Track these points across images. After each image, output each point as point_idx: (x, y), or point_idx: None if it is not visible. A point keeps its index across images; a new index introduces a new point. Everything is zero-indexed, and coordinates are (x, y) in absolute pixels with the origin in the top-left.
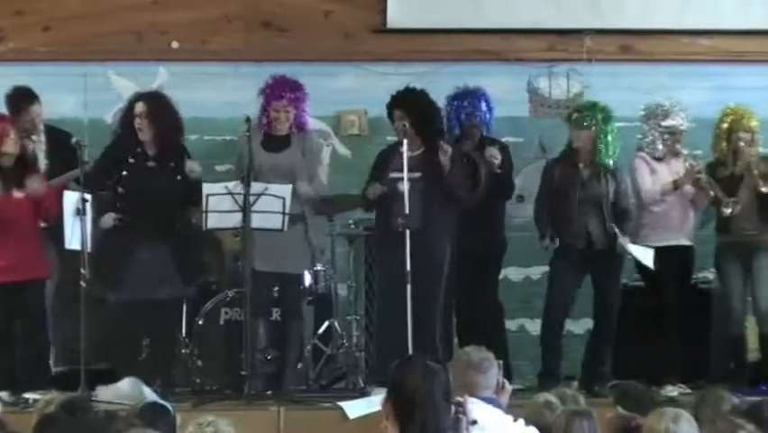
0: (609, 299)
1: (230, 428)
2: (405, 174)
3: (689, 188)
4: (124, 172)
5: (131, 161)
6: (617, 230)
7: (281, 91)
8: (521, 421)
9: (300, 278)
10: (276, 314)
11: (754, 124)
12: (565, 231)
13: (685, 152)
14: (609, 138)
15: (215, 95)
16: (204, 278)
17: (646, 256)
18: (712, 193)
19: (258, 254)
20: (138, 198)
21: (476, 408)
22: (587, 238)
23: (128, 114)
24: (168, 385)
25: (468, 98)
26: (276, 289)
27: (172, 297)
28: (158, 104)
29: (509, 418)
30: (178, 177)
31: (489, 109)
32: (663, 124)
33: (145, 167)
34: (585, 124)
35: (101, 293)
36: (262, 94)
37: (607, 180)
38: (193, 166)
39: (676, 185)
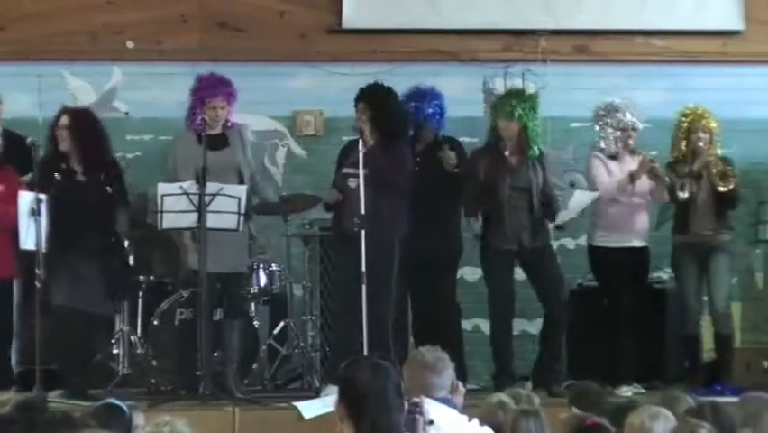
0: (552, 291)
1: (187, 429)
2: (360, 172)
3: (646, 184)
4: (54, 186)
5: (57, 176)
6: (551, 226)
7: (215, 88)
8: (476, 421)
9: (242, 276)
10: (219, 313)
11: (712, 124)
12: (495, 227)
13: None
14: (535, 126)
15: (171, 95)
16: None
17: (584, 196)
18: (667, 180)
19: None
20: (68, 210)
21: (432, 408)
22: (517, 234)
23: (54, 127)
24: (71, 392)
25: (418, 99)
26: (218, 287)
27: (99, 313)
28: (82, 118)
29: (464, 417)
30: (108, 189)
31: (441, 110)
32: (614, 121)
33: (74, 180)
34: (512, 113)
35: (45, 297)
36: (194, 94)
37: (535, 168)
38: None
39: (632, 178)
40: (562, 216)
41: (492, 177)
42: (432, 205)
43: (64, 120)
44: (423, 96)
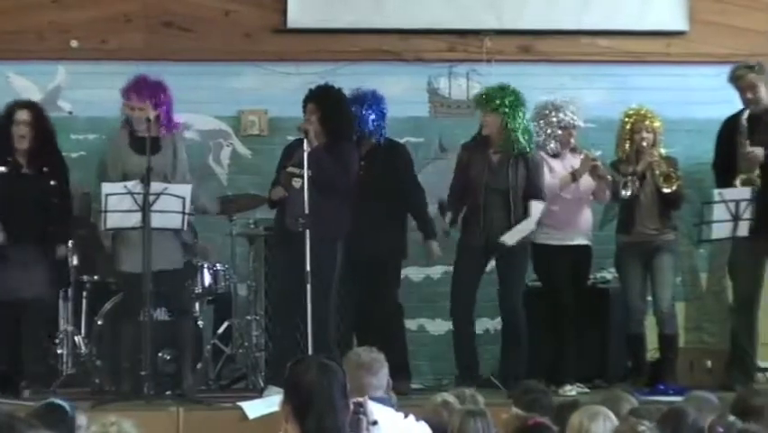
0: (512, 296)
1: (133, 430)
2: (305, 173)
3: (589, 184)
4: None
5: (2, 169)
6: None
7: (134, 90)
8: (411, 417)
9: (178, 273)
10: (161, 313)
11: (656, 124)
12: (469, 224)
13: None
14: (520, 122)
15: (115, 94)
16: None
17: (528, 224)
18: (610, 177)
19: (127, 257)
20: (12, 203)
21: (375, 408)
22: (489, 234)
23: (6, 122)
24: (34, 385)
25: (360, 103)
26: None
27: (39, 297)
28: (41, 113)
29: (400, 415)
30: (52, 182)
31: (383, 113)
32: (555, 120)
33: (19, 174)
34: (493, 107)
35: None
36: (122, 93)
37: (517, 168)
38: None
39: (574, 176)
40: (514, 235)
41: (472, 175)
42: (375, 207)
43: (24, 115)
44: (364, 100)
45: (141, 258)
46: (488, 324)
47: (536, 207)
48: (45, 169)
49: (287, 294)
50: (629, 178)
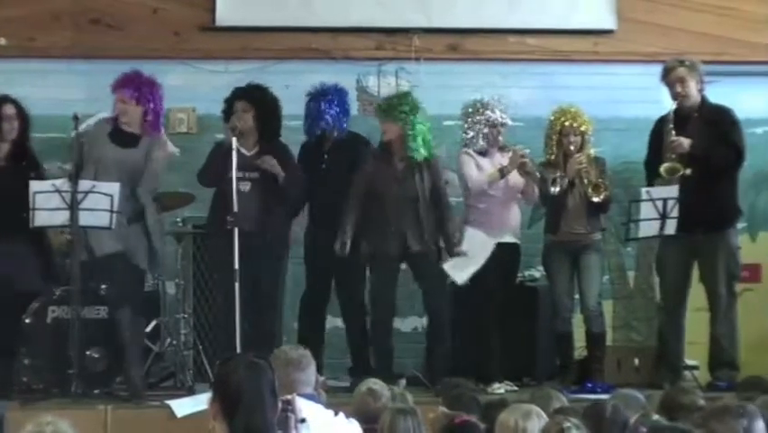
0: (436, 298)
1: (70, 430)
2: (234, 172)
3: (518, 181)
4: None
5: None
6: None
7: (123, 84)
8: (342, 415)
9: (143, 273)
10: (100, 312)
11: (584, 126)
12: (379, 234)
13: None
14: (420, 130)
15: (44, 92)
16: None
17: (462, 272)
18: (539, 174)
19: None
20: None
21: (303, 405)
22: (402, 240)
23: None
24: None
25: (320, 99)
26: (103, 286)
27: (29, 291)
28: (20, 106)
29: (330, 412)
30: (32, 175)
31: (344, 107)
32: (483, 118)
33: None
34: (393, 115)
35: None
36: (112, 86)
37: (422, 176)
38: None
39: (502, 173)
40: (464, 274)
41: (377, 184)
42: (339, 201)
43: (10, 109)
44: (326, 94)
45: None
46: (416, 322)
47: (488, 244)
48: (24, 162)
49: (226, 293)
50: (558, 174)
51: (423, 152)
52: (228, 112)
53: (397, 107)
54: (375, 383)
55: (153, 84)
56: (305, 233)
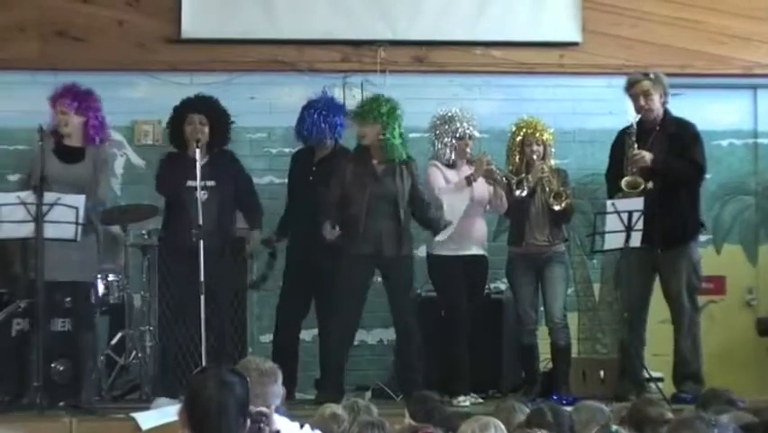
0: (403, 306)
1: None
2: (198, 183)
3: (483, 195)
4: None
5: None
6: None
7: (63, 96)
8: (307, 427)
9: (91, 287)
10: (66, 324)
11: (546, 136)
12: (353, 235)
13: None
14: (397, 130)
15: (9, 104)
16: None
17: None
18: (505, 180)
19: (47, 265)
20: None
21: (276, 417)
22: (376, 242)
23: None
24: None
25: (312, 110)
26: (68, 299)
27: None
28: None
29: (296, 424)
30: None
31: (337, 120)
32: (450, 130)
33: None
34: (372, 116)
35: None
36: (50, 100)
37: (402, 176)
38: None
39: (469, 180)
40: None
41: (354, 186)
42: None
43: None
44: (319, 106)
45: (60, 266)
46: (382, 334)
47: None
48: None
49: (186, 305)
50: (523, 176)
51: (401, 150)
52: (178, 121)
53: (375, 109)
54: (339, 408)
55: (91, 94)
56: (286, 246)
